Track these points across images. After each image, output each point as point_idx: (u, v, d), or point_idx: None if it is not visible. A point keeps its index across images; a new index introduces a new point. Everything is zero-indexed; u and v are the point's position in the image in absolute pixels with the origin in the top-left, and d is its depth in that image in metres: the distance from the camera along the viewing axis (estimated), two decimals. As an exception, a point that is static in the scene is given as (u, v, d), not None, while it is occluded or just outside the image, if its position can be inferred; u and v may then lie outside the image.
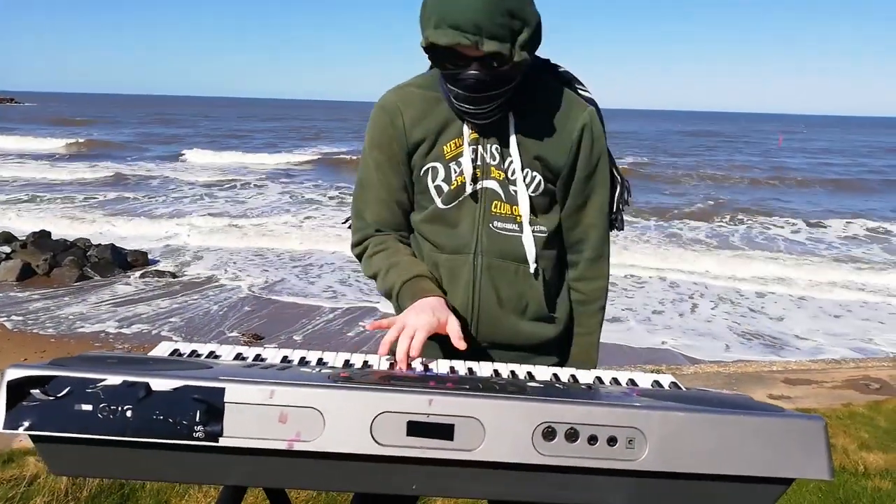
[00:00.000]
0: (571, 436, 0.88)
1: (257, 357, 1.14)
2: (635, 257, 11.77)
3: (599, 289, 1.52)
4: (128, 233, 13.45)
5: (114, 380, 0.84)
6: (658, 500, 0.92)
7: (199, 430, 0.84)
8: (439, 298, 1.32)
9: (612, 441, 0.88)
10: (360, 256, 1.51)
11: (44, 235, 11.20)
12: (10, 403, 0.82)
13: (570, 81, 1.48)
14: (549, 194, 1.43)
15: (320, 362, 1.15)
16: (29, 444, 3.55)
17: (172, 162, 27.07)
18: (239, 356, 1.15)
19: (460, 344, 1.24)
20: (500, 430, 0.86)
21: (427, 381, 0.96)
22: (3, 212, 15.12)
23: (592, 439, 0.88)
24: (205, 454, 0.86)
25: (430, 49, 1.26)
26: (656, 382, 1.21)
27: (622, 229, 1.54)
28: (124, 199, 17.48)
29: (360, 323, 8.19)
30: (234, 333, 7.70)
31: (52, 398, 0.83)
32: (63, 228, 13.01)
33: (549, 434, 0.87)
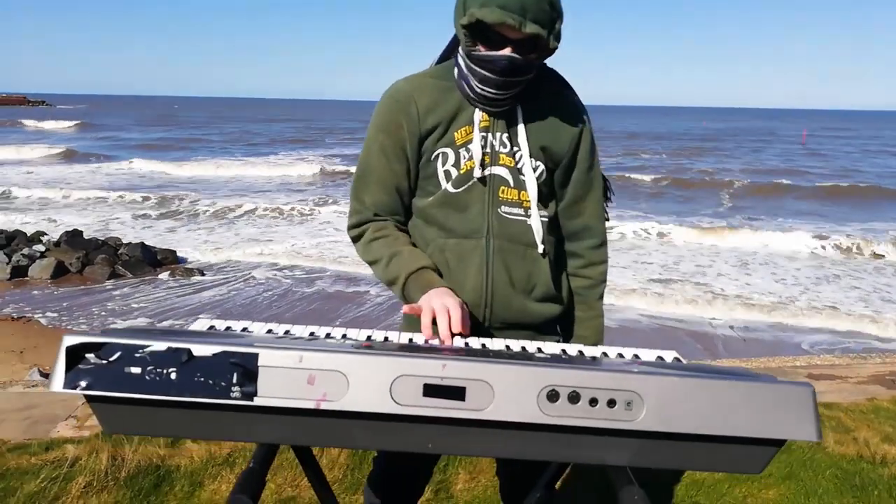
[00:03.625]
0: (573, 398, 0.95)
1: (286, 332, 1.24)
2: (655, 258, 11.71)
3: (604, 272, 1.65)
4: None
5: (159, 346, 0.93)
6: (656, 460, 1.00)
7: (235, 391, 0.93)
8: (451, 290, 1.40)
9: (611, 403, 0.95)
10: (356, 239, 1.57)
11: (76, 234, 11.51)
12: (69, 366, 0.92)
13: (565, 83, 1.57)
14: (549, 184, 1.54)
15: (344, 337, 1.24)
16: (65, 433, 3.70)
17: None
18: (270, 332, 1.24)
19: (466, 329, 1.33)
20: (507, 392, 0.94)
21: (441, 350, 1.04)
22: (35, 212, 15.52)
23: (593, 401, 0.95)
24: (241, 413, 0.95)
25: (470, 27, 1.33)
26: (660, 357, 1.28)
27: (608, 220, 1.67)
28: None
29: (400, 312, 8.31)
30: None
31: (104, 362, 0.92)
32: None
33: (552, 396, 0.95)
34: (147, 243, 11.46)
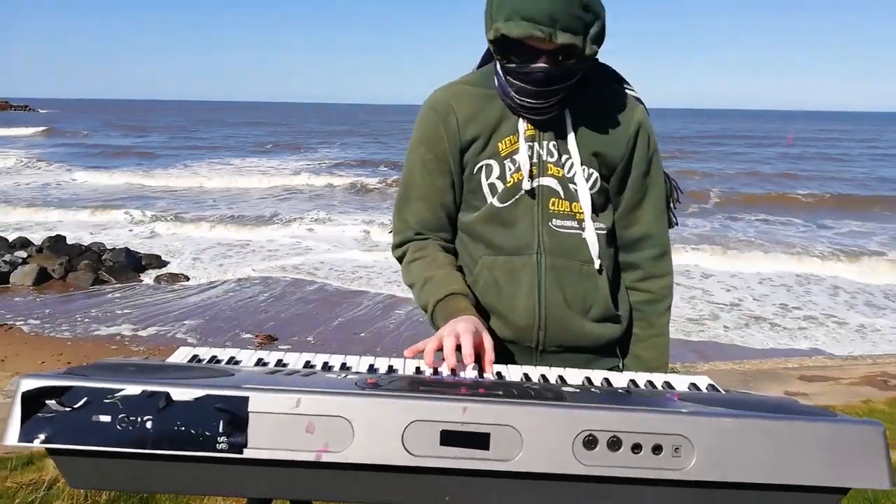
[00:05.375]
0: (614, 444, 0.83)
1: (279, 362, 1.10)
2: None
3: (668, 286, 1.49)
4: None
5: (133, 389, 0.80)
6: (706, 512, 0.87)
7: (222, 442, 0.79)
8: (473, 317, 1.27)
9: (657, 449, 0.83)
10: (399, 259, 1.47)
11: (59, 240, 11.28)
12: (26, 415, 0.78)
13: (619, 79, 1.45)
14: (604, 192, 1.41)
15: (344, 367, 1.11)
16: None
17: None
18: (260, 361, 1.11)
19: (489, 368, 1.17)
20: (538, 439, 0.82)
21: (458, 387, 0.92)
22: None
23: (636, 448, 0.83)
24: (228, 466, 0.82)
25: (498, 41, 1.22)
26: (693, 385, 1.16)
27: (677, 224, 1.52)
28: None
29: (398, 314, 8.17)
30: (247, 335, 7.70)
31: (68, 409, 0.79)
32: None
33: (590, 443, 0.82)
34: (131, 248, 11.26)
